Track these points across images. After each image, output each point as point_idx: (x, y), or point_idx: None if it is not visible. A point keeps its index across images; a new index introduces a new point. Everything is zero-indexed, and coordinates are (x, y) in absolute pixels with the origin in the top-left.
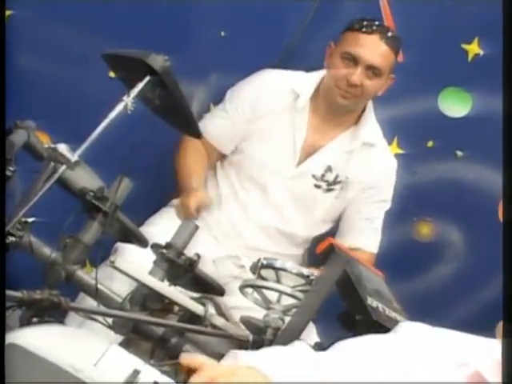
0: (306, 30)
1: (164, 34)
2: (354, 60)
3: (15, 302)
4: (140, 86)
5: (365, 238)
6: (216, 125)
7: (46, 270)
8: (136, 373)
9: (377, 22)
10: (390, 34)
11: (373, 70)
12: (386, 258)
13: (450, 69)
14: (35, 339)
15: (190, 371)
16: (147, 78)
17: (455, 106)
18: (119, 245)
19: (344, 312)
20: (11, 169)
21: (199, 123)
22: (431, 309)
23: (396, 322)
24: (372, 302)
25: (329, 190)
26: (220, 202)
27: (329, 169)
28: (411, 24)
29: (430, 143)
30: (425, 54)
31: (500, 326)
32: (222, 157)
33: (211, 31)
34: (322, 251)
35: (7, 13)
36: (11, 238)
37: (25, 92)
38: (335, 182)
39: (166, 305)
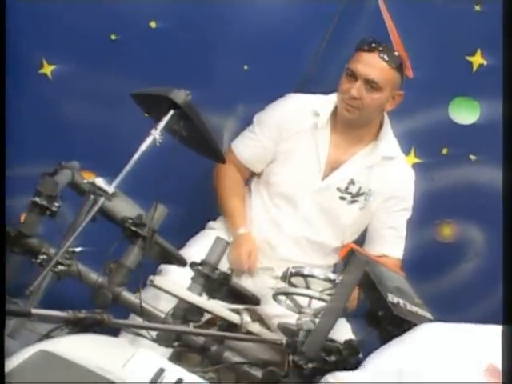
0: (321, 58)
1: (192, 71)
2: (354, 75)
3: (62, 322)
4: (165, 119)
5: (390, 245)
6: (246, 146)
7: (94, 293)
8: (161, 371)
9: (378, 42)
10: (389, 52)
11: (371, 84)
12: (412, 260)
13: (457, 80)
14: (67, 346)
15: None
16: (171, 112)
17: (465, 114)
18: (163, 266)
19: (368, 311)
20: (56, 205)
21: (231, 144)
22: (457, 306)
23: (418, 316)
24: (393, 298)
25: (353, 202)
26: (251, 217)
27: (352, 182)
28: (417, 42)
29: (445, 150)
30: (432, 69)
31: None
32: (255, 174)
33: (235, 66)
34: (344, 256)
35: (51, 67)
36: (60, 267)
37: (74, 136)
38: (359, 194)
39: (210, 318)
